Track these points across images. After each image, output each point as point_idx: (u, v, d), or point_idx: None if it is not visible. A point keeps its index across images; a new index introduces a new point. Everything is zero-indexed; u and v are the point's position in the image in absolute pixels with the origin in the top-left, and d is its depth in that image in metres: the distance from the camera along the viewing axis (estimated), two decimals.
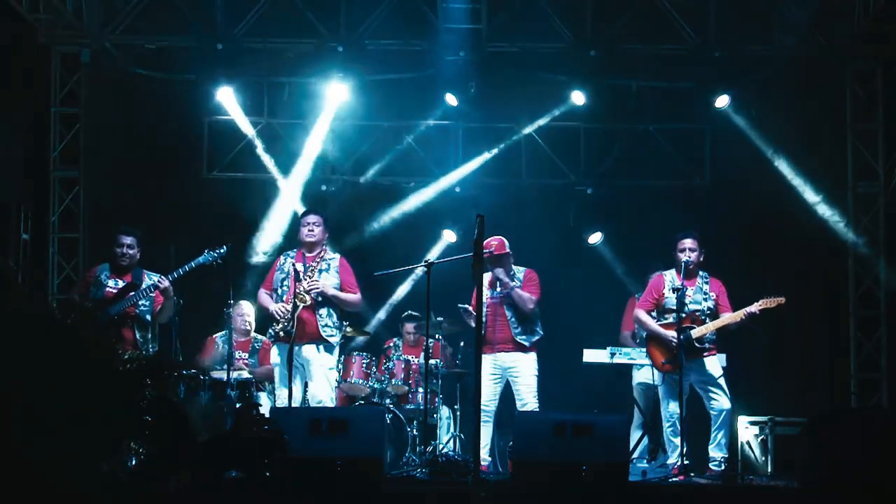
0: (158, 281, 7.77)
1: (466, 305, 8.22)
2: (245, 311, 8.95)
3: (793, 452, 7.98)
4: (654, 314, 8.13)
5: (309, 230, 8.01)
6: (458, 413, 8.93)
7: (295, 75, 10.17)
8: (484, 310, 8.10)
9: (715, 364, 7.99)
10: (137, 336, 7.78)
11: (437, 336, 8.71)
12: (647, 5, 9.62)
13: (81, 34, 9.65)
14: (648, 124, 10.45)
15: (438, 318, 8.73)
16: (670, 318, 7.96)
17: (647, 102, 10.28)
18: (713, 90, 9.81)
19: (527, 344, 8.12)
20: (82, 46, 9.70)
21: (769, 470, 8.35)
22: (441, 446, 8.42)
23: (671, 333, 7.86)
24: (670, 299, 7.96)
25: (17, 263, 9.30)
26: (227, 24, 9.63)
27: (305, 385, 7.86)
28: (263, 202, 10.40)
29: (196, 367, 8.41)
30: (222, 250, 7.83)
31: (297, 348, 7.68)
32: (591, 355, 8.84)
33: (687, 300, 7.89)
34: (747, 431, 8.57)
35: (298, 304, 7.69)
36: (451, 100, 10.01)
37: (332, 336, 7.86)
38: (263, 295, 8.10)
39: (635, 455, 8.45)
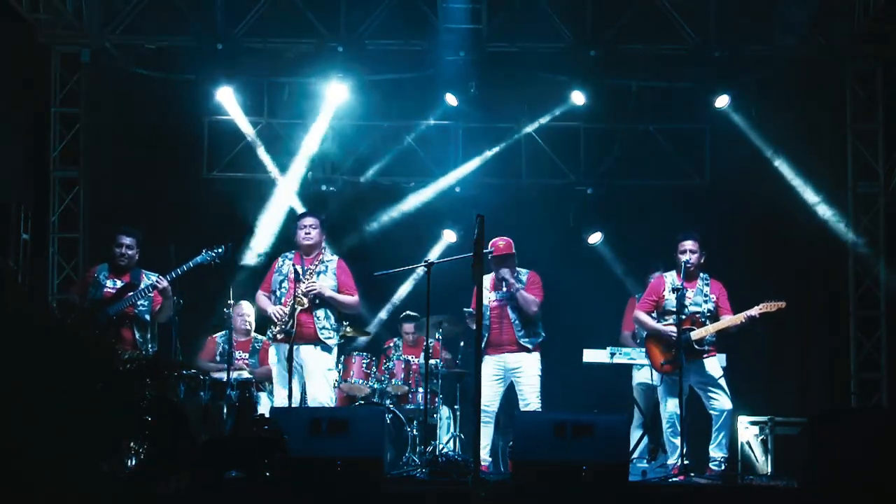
0: (157, 281, 7.77)
1: (471, 309, 8.20)
2: (245, 311, 8.95)
3: (793, 452, 7.98)
4: (654, 315, 8.13)
5: (306, 233, 7.98)
6: (458, 413, 8.93)
7: (295, 75, 10.16)
8: (487, 312, 8.11)
9: (715, 365, 7.99)
10: (136, 336, 7.79)
11: (437, 336, 8.70)
12: (647, 5, 9.62)
13: (81, 34, 9.65)
14: (648, 124, 10.45)
15: (438, 318, 8.73)
16: (670, 320, 7.95)
17: (647, 102, 10.28)
18: (713, 90, 9.80)
19: (530, 346, 8.12)
20: (82, 46, 9.70)
21: (769, 470, 8.36)
22: (441, 446, 8.42)
23: (671, 329, 7.85)
24: (670, 301, 7.95)
25: (17, 263, 9.29)
26: (227, 24, 9.63)
27: (303, 386, 7.85)
28: (263, 202, 10.40)
29: (196, 367, 8.41)
30: (220, 250, 7.84)
31: (295, 348, 7.67)
32: (591, 355, 8.84)
33: (687, 302, 7.89)
34: (747, 431, 8.57)
35: (297, 306, 7.68)
36: (451, 100, 10.01)
37: (329, 338, 7.86)
38: (262, 297, 8.09)
39: (635, 455, 8.45)
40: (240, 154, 10.46)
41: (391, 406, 8.64)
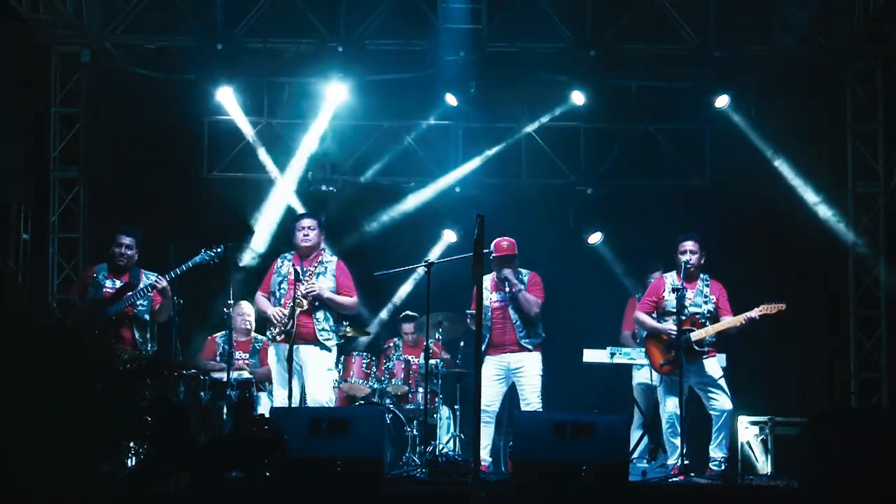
0: (156, 281, 7.77)
1: (473, 311, 8.18)
2: (245, 311, 8.95)
3: (793, 452, 7.99)
4: (654, 316, 8.13)
5: (304, 235, 7.97)
6: (458, 413, 8.93)
7: (295, 75, 10.16)
8: (488, 312, 8.11)
9: (714, 365, 7.99)
10: (136, 336, 7.79)
11: (437, 336, 8.70)
12: (647, 5, 9.62)
13: (81, 34, 9.65)
14: (648, 124, 10.46)
15: (438, 318, 8.73)
16: (670, 321, 7.95)
17: (647, 102, 10.29)
18: (713, 90, 9.81)
19: (531, 346, 8.12)
20: (82, 46, 9.71)
21: (769, 470, 8.36)
22: (441, 446, 8.42)
23: (671, 327, 7.85)
24: (670, 301, 7.95)
25: (17, 263, 9.29)
26: (227, 24, 9.63)
27: (303, 386, 7.85)
28: (263, 202, 10.40)
29: (196, 367, 8.41)
30: (219, 249, 7.84)
31: (294, 349, 7.66)
32: (591, 355, 8.85)
33: (687, 303, 7.89)
34: (747, 431, 8.57)
35: (296, 308, 7.68)
36: (450, 100, 10.01)
37: (328, 339, 7.86)
38: (261, 298, 8.08)
39: (635, 455, 8.45)
40: (240, 154, 10.47)
41: (391, 406, 8.64)
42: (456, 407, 8.93)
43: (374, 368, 8.95)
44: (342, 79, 9.75)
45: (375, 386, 8.87)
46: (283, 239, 8.75)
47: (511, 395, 8.26)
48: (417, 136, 10.61)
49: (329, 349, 7.88)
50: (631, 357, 8.78)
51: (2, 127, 9.31)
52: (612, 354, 8.78)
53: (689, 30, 9.63)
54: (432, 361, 8.27)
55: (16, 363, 4.47)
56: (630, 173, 10.54)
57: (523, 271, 8.24)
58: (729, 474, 7.87)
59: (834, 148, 10.07)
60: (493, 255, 8.12)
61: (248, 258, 10.03)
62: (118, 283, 7.86)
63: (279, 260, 8.10)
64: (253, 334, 9.01)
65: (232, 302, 8.32)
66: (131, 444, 5.14)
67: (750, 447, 8.53)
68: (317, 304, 7.81)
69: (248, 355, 8.89)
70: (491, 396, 8.04)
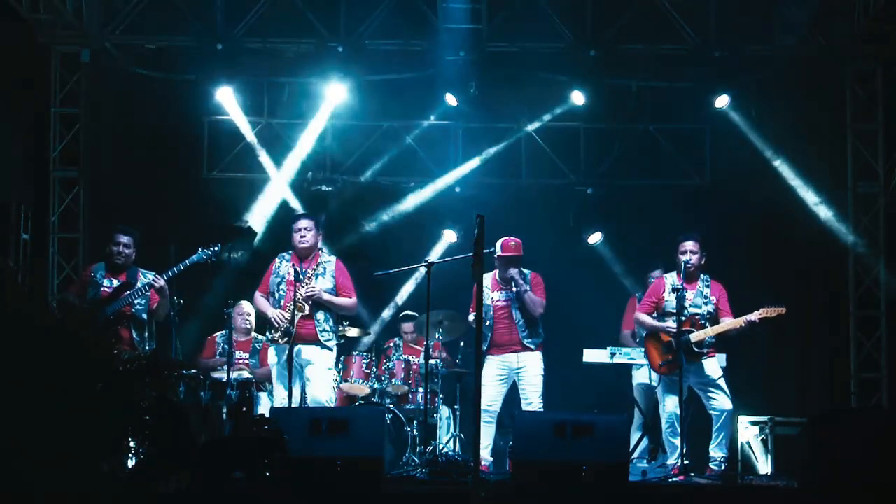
0: (154, 279, 7.76)
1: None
2: (246, 311, 8.94)
3: (793, 452, 7.99)
4: (654, 317, 8.13)
5: (301, 236, 7.94)
6: (458, 413, 8.93)
7: (295, 75, 10.17)
8: (490, 312, 8.11)
9: (714, 365, 7.99)
10: (134, 335, 7.77)
11: (437, 335, 8.70)
12: (647, 5, 9.62)
13: (81, 34, 9.65)
14: (648, 124, 10.46)
15: (439, 318, 8.73)
16: (670, 322, 7.95)
17: (647, 102, 10.29)
18: (713, 90, 9.81)
19: (533, 346, 8.12)
20: (82, 46, 9.71)
21: (769, 470, 8.35)
22: (441, 446, 8.42)
23: (671, 325, 7.85)
24: (670, 302, 7.95)
25: (17, 263, 9.30)
26: (227, 24, 9.63)
27: (303, 386, 7.85)
28: (263, 202, 10.41)
29: (196, 367, 8.41)
30: (216, 248, 7.83)
31: (295, 349, 7.66)
32: (591, 355, 8.84)
33: (687, 303, 7.88)
34: (747, 431, 8.57)
35: (297, 312, 7.67)
36: (450, 100, 10.01)
37: (329, 340, 7.85)
38: (260, 298, 8.05)
39: (635, 455, 8.45)
40: (240, 154, 10.47)
41: (391, 406, 8.64)
42: (456, 407, 8.93)
43: (374, 368, 8.95)
44: (342, 79, 9.75)
45: (375, 386, 8.87)
46: (282, 238, 8.74)
47: (511, 395, 8.25)
48: (417, 136, 10.61)
49: (330, 349, 7.88)
50: (631, 357, 8.78)
51: (2, 127, 9.31)
52: (612, 354, 8.77)
53: (689, 30, 9.63)
54: (432, 361, 8.27)
55: (16, 363, 4.47)
56: (630, 173, 10.54)
57: (525, 271, 8.23)
58: (729, 474, 7.87)
59: (834, 148, 10.07)
60: (500, 254, 8.12)
61: (249, 258, 10.03)
62: (116, 283, 7.84)
63: (277, 260, 8.07)
64: (253, 334, 9.00)
65: (232, 302, 8.32)
66: (131, 444, 5.13)
67: (750, 447, 8.53)
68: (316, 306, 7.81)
69: (248, 355, 8.89)
70: (492, 396, 8.04)
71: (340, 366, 8.70)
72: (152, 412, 4.93)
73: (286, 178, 10.41)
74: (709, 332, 7.89)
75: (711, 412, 7.91)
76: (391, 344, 9.48)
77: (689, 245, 8.00)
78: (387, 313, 10.59)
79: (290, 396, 7.55)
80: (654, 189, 10.52)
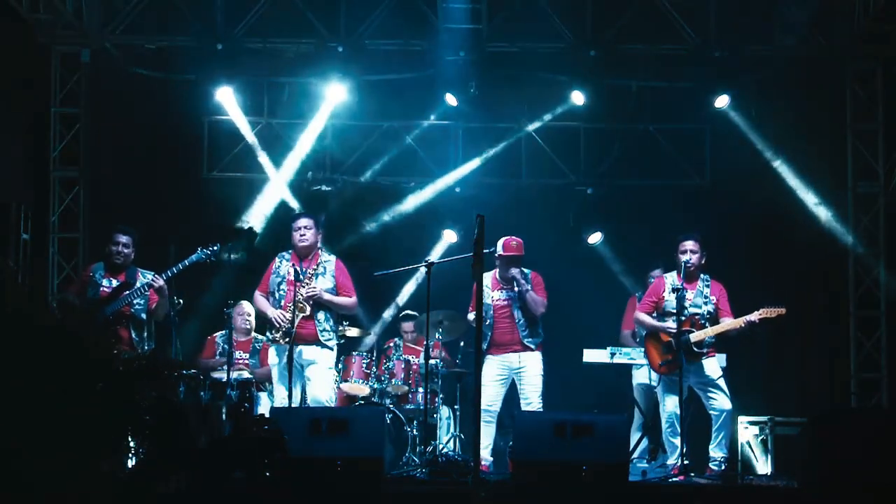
0: (153, 279, 7.75)
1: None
2: (246, 311, 8.94)
3: (793, 452, 7.99)
4: (654, 316, 8.13)
5: (301, 235, 7.94)
6: (458, 413, 8.93)
7: (295, 75, 10.17)
8: (490, 311, 8.11)
9: (714, 365, 7.98)
10: (133, 335, 7.75)
11: (437, 335, 8.70)
12: (647, 5, 9.63)
13: (81, 34, 9.66)
14: (648, 124, 10.46)
15: (438, 317, 8.73)
16: (670, 322, 7.95)
17: (647, 102, 10.29)
18: (713, 90, 9.82)
19: (533, 346, 8.12)
20: (82, 46, 9.72)
21: (769, 470, 8.35)
22: (441, 446, 8.42)
23: (672, 326, 7.85)
24: (670, 302, 7.95)
25: (17, 263, 9.30)
26: (227, 24, 9.64)
27: (303, 387, 7.85)
28: (263, 202, 10.41)
29: (196, 367, 8.41)
30: (215, 248, 7.83)
31: (295, 349, 7.66)
32: (591, 355, 8.84)
33: (686, 303, 7.88)
34: (747, 431, 8.57)
35: (298, 313, 7.67)
36: (450, 100, 10.01)
37: (329, 340, 7.85)
38: (260, 298, 8.05)
39: (635, 455, 8.45)
40: (239, 154, 10.47)
41: (391, 406, 8.64)
42: (456, 407, 8.92)
43: (374, 368, 8.94)
44: (342, 79, 9.75)
45: (375, 386, 8.87)
46: (283, 238, 8.75)
47: (512, 395, 8.25)
48: (417, 136, 10.61)
49: (330, 348, 7.88)
50: (631, 357, 8.78)
51: (2, 127, 9.31)
52: (612, 354, 8.77)
53: (689, 30, 9.63)
54: (432, 361, 8.27)
55: (16, 363, 4.47)
56: (630, 173, 10.55)
57: (525, 271, 8.23)
58: (729, 474, 7.87)
59: (834, 148, 10.07)
60: (502, 253, 8.12)
61: (249, 257, 10.02)
62: (115, 283, 7.83)
63: (277, 259, 8.06)
64: (253, 334, 9.00)
65: (232, 302, 8.32)
66: (131, 444, 5.14)
67: (750, 447, 8.53)
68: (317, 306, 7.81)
69: (248, 355, 8.89)
70: (492, 396, 8.03)
71: (340, 366, 8.70)
72: (152, 412, 4.93)
73: (286, 178, 10.41)
74: (708, 332, 7.89)
75: (711, 412, 7.91)
76: (391, 344, 9.49)
77: (690, 244, 7.99)
78: (387, 313, 10.59)
79: (290, 396, 7.55)
80: (654, 189, 10.52)
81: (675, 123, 10.50)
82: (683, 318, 7.80)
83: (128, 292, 7.73)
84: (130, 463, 5.40)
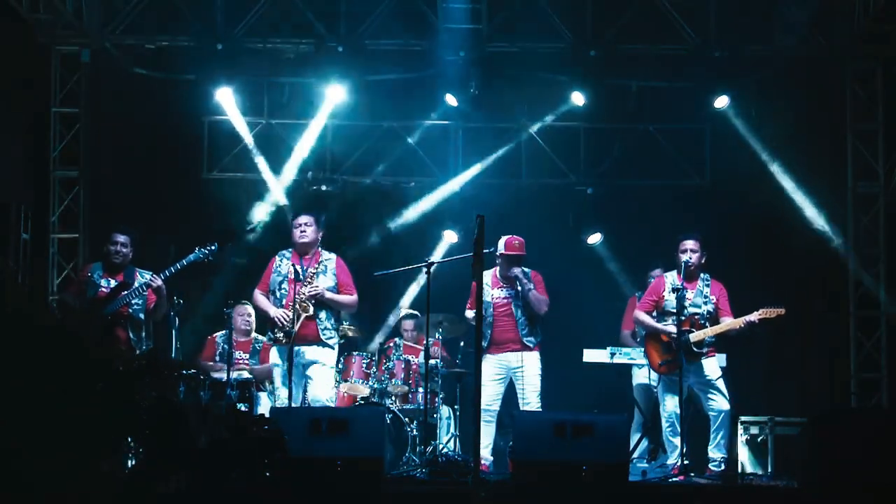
0: (151, 279, 7.74)
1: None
2: (247, 311, 8.94)
3: (793, 452, 7.98)
4: (654, 316, 8.13)
5: (301, 231, 7.94)
6: (458, 413, 8.93)
7: (295, 75, 10.17)
8: (490, 309, 8.10)
9: (713, 366, 7.98)
10: (130, 335, 7.73)
11: (437, 336, 8.70)
12: (647, 5, 9.63)
13: (81, 34, 9.65)
14: (648, 124, 10.46)
15: (439, 318, 8.73)
16: (669, 321, 7.95)
17: (647, 102, 10.29)
18: (713, 90, 9.82)
19: (531, 345, 8.11)
20: (82, 46, 9.72)
21: (769, 470, 8.35)
22: (441, 446, 8.41)
23: (671, 329, 7.85)
24: (670, 301, 7.95)
25: (17, 263, 9.29)
26: (227, 24, 9.64)
27: (305, 386, 7.85)
28: (263, 202, 10.41)
29: (196, 367, 8.40)
30: (213, 247, 7.82)
31: (297, 349, 7.67)
32: (591, 355, 8.84)
33: (686, 303, 7.88)
34: (747, 431, 8.56)
35: (301, 312, 7.66)
36: (451, 100, 10.01)
37: (331, 338, 7.85)
38: (260, 296, 8.03)
39: (635, 455, 8.45)
40: (240, 154, 10.47)
41: (391, 406, 8.64)
42: (456, 407, 8.92)
43: (374, 368, 8.94)
44: (342, 79, 9.75)
45: (375, 386, 8.87)
46: (282, 238, 8.74)
47: (512, 395, 8.25)
48: (417, 136, 10.61)
49: (332, 347, 7.87)
50: (631, 357, 8.78)
51: (2, 127, 9.31)
52: (612, 354, 8.78)
53: (689, 30, 9.63)
54: (432, 361, 8.26)
55: (16, 363, 4.47)
56: (630, 173, 10.55)
57: (526, 270, 8.23)
58: (729, 474, 7.87)
59: (834, 148, 10.07)
60: (504, 252, 8.11)
61: (249, 257, 10.02)
62: (113, 283, 7.82)
63: (277, 258, 8.05)
64: (253, 335, 9.00)
65: (232, 302, 8.31)
66: (131, 444, 5.13)
67: (750, 447, 8.53)
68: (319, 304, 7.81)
69: (248, 355, 8.88)
70: (491, 395, 8.03)
71: (340, 366, 8.69)
72: (152, 412, 4.92)
73: (286, 178, 10.40)
74: (708, 332, 7.89)
75: (709, 413, 7.91)
76: (391, 344, 9.48)
77: (690, 244, 8.00)
78: (391, 319, 10.56)
79: (290, 396, 7.55)
80: (654, 189, 10.52)
81: (675, 123, 10.50)
82: (683, 317, 7.80)
83: (126, 292, 7.72)
84: (130, 463, 5.40)
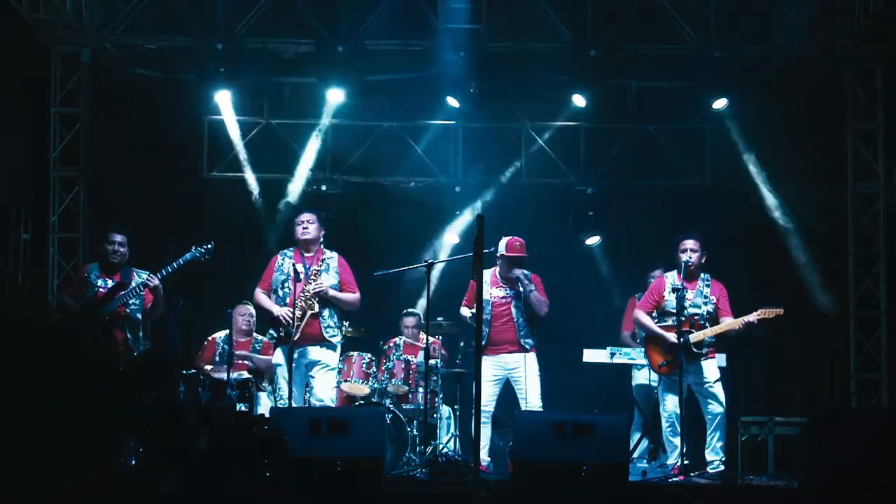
0: (148, 279, 7.74)
1: (473, 311, 8.14)
2: (248, 311, 8.93)
3: (793, 452, 7.98)
4: (653, 316, 8.12)
5: (303, 228, 7.94)
6: (458, 413, 8.93)
7: (295, 75, 10.16)
8: (488, 308, 8.09)
9: (712, 367, 7.96)
10: (128, 335, 7.71)
11: (436, 336, 8.70)
12: (647, 5, 9.62)
13: (81, 34, 9.65)
14: (648, 124, 10.47)
15: (438, 318, 8.73)
16: (669, 321, 7.94)
17: (647, 102, 10.29)
18: (713, 90, 9.82)
19: (528, 346, 8.10)
20: (82, 46, 9.72)
21: (769, 470, 8.35)
22: (441, 446, 8.41)
23: (671, 336, 7.84)
24: (670, 301, 7.94)
25: (17, 263, 9.29)
26: (227, 24, 9.63)
27: (307, 386, 7.85)
28: (263, 202, 10.42)
29: (196, 367, 8.40)
30: (210, 246, 7.81)
31: (298, 349, 7.66)
32: (591, 355, 8.85)
33: (686, 303, 7.87)
34: (747, 431, 8.56)
35: (307, 310, 7.66)
36: (452, 102, 10.01)
37: (333, 336, 7.84)
38: (262, 295, 8.02)
39: (635, 455, 8.45)
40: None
41: (391, 406, 8.64)
42: (456, 407, 8.92)
43: (374, 368, 8.94)
44: (342, 79, 9.75)
45: (375, 386, 8.87)
46: (283, 237, 8.75)
47: (512, 395, 8.24)
48: (417, 136, 10.61)
49: (334, 346, 7.88)
50: (631, 357, 8.78)
51: (2, 127, 9.31)
52: (612, 354, 8.78)
53: (689, 30, 9.63)
54: (432, 361, 8.26)
55: (16, 363, 4.47)
56: (630, 173, 10.54)
57: (526, 272, 8.22)
58: (729, 474, 7.86)
59: (834, 148, 10.07)
60: (505, 253, 8.10)
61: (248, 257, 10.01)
62: (110, 283, 7.80)
63: (279, 257, 8.03)
64: (254, 335, 8.99)
65: (232, 302, 8.30)
66: (131, 444, 5.14)
67: (750, 447, 8.53)
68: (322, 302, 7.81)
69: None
70: (488, 396, 8.01)
71: (340, 366, 8.69)
72: (152, 412, 4.93)
73: (292, 186, 10.40)
74: (707, 332, 7.88)
75: (707, 415, 7.90)
76: (391, 344, 9.48)
77: (690, 244, 7.99)
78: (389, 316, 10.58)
79: (290, 396, 7.55)
80: (654, 189, 10.52)
81: (674, 123, 10.50)
82: (683, 318, 7.79)
83: (123, 292, 7.71)
84: (130, 463, 5.40)
